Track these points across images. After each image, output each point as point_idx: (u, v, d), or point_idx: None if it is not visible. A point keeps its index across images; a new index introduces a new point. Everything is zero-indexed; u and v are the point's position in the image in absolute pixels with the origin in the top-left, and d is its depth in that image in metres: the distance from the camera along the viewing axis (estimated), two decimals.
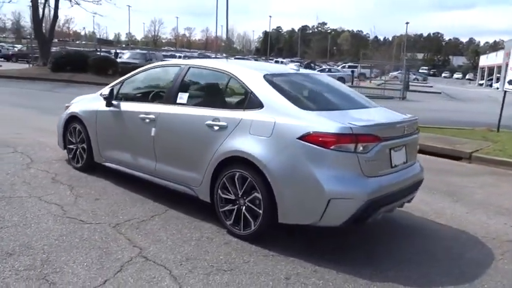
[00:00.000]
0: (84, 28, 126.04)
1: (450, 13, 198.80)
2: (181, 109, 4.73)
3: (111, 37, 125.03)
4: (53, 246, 3.83)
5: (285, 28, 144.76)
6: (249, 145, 4.05)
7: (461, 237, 4.71)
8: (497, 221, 5.27)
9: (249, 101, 4.28)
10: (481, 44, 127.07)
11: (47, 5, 28.77)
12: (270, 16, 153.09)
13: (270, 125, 3.98)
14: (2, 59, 42.01)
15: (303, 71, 5.20)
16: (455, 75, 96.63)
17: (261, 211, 4.00)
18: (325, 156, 3.71)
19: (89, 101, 6.11)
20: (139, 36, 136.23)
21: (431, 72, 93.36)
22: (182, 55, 46.29)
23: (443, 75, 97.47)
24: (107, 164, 5.73)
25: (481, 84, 66.11)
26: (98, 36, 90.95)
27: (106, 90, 5.66)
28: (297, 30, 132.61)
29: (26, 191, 5.18)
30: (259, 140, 4.00)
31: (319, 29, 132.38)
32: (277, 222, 3.95)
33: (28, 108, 12.12)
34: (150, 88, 5.61)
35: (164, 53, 44.44)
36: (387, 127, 4.16)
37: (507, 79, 12.29)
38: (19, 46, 53.82)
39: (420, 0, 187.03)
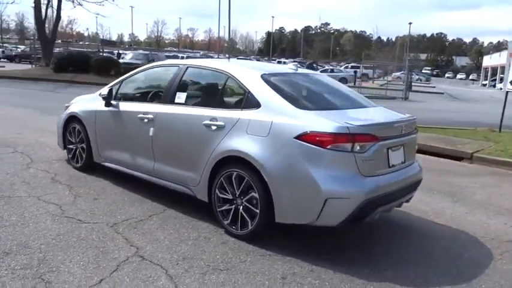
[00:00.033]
0: (87, 29, 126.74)
1: (454, 13, 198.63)
2: (179, 109, 4.73)
3: (114, 38, 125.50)
4: (50, 246, 3.84)
5: (288, 29, 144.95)
6: (246, 145, 4.04)
7: (460, 237, 4.69)
8: (497, 221, 5.25)
9: (247, 101, 4.27)
10: (485, 44, 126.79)
11: (49, 6, 28.86)
12: (273, 17, 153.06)
13: (267, 124, 3.97)
14: (5, 60, 42.20)
15: (301, 70, 5.18)
16: (459, 76, 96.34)
17: (258, 211, 3.99)
18: (322, 155, 3.70)
19: (88, 101, 6.11)
20: (142, 37, 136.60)
21: (435, 73, 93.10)
22: (185, 56, 46.30)
23: (446, 75, 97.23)
24: (106, 164, 5.73)
25: (484, 85, 65.98)
26: (101, 37, 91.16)
27: (105, 90, 5.67)
28: (299, 31, 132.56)
29: (25, 191, 5.19)
30: (256, 140, 4.00)
31: (322, 29, 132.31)
32: (274, 221, 3.95)
33: (29, 109, 12.15)
34: (148, 88, 5.61)
35: (167, 54, 44.45)
36: (385, 127, 4.14)
37: (509, 79, 12.24)
38: (22, 47, 54.04)
39: (424, 1, 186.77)
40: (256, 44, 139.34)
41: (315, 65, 39.90)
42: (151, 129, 4.89)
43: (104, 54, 30.95)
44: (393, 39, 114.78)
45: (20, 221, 4.33)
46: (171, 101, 4.85)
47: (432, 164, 8.29)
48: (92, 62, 23.86)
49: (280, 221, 3.92)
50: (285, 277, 3.54)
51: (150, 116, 4.93)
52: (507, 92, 12.14)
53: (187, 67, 4.97)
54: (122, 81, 5.68)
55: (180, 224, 4.48)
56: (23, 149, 7.11)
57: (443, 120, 14.94)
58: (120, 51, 42.81)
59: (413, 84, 36.18)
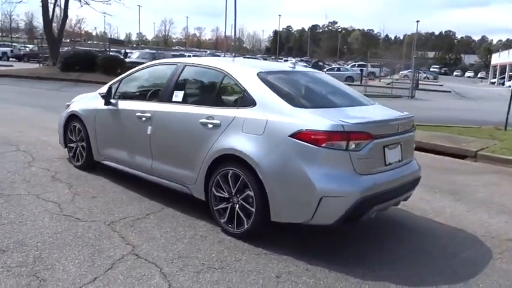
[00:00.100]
0: (95, 28, 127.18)
1: (463, 11, 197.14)
2: (177, 107, 4.73)
3: (122, 37, 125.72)
4: (47, 244, 3.85)
5: (295, 27, 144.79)
6: (241, 143, 4.03)
7: (459, 235, 4.65)
8: (498, 219, 5.20)
9: (243, 99, 4.27)
10: (494, 42, 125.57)
11: (57, 5, 29.03)
12: (280, 15, 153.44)
13: (262, 122, 3.96)
14: (14, 59, 42.45)
15: (299, 68, 5.16)
16: (467, 74, 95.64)
17: (253, 209, 3.98)
18: (316, 154, 3.68)
19: (88, 100, 6.13)
20: (150, 36, 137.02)
21: (443, 71, 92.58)
22: (192, 54, 46.37)
23: (454, 73, 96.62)
24: (106, 163, 5.75)
25: (493, 83, 65.47)
26: (109, 36, 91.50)
27: (104, 89, 5.68)
28: (307, 30, 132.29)
29: (25, 189, 5.22)
30: (251, 138, 3.99)
31: (330, 28, 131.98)
32: (270, 220, 3.93)
33: (35, 107, 12.23)
34: (147, 86, 5.62)
35: (173, 53, 44.52)
36: (381, 125, 4.11)
37: None
38: (31, 46, 54.35)
39: None
40: (264, 43, 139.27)
41: (321, 64, 39.70)
42: (149, 127, 4.90)
43: (111, 53, 31.01)
44: (401, 38, 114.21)
45: (18, 218, 4.36)
46: (168, 99, 4.85)
47: (435, 162, 8.25)
48: (98, 61, 23.96)
49: (276, 219, 3.90)
50: (279, 276, 3.53)
51: (148, 114, 4.94)
52: None
53: (185, 65, 4.97)
54: (121, 80, 5.70)
55: (177, 222, 4.48)
56: (26, 148, 7.16)
57: (448, 118, 14.84)
58: (127, 51, 42.95)
59: (420, 82, 35.98)
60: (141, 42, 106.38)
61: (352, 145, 3.72)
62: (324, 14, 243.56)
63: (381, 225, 4.76)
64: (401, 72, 45.00)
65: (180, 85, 4.91)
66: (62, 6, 28.66)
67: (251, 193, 3.97)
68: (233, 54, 43.74)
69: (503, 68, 63.30)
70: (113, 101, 5.53)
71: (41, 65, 30.53)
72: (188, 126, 4.53)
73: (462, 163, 8.48)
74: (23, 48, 51.50)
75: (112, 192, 5.26)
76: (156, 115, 4.87)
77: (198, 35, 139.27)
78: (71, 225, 4.27)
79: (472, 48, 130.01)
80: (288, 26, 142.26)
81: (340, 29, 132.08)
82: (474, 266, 3.95)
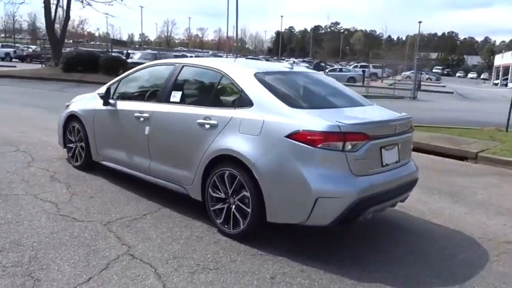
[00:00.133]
0: (98, 29, 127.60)
1: (465, 12, 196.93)
2: (174, 107, 4.73)
3: (124, 38, 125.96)
4: (43, 244, 3.85)
5: (298, 28, 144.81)
6: (238, 143, 4.03)
7: (457, 237, 4.63)
8: (496, 221, 5.18)
9: (240, 99, 4.26)
10: (497, 43, 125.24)
11: (59, 6, 29.11)
12: (282, 16, 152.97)
13: (258, 123, 3.95)
14: (17, 60, 42.60)
15: (297, 69, 5.16)
16: (470, 75, 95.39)
17: (249, 210, 3.97)
18: (312, 154, 3.67)
19: (87, 100, 6.14)
20: (152, 36, 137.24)
21: (445, 72, 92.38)
22: (194, 55, 46.39)
23: (457, 74, 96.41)
24: (104, 163, 5.76)
25: (496, 84, 65.26)
26: (112, 37, 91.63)
27: (103, 89, 5.69)
28: (309, 30, 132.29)
29: (24, 189, 5.22)
30: (248, 139, 3.98)
31: (332, 28, 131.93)
32: (266, 221, 3.92)
33: (37, 108, 12.26)
34: (145, 87, 5.62)
35: (175, 53, 44.53)
36: (378, 125, 4.10)
37: None
38: (34, 47, 54.51)
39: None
40: (266, 43, 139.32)
41: (323, 64, 39.64)
42: (147, 127, 4.90)
43: (113, 54, 31.06)
44: (403, 39, 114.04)
45: (15, 218, 4.36)
46: (166, 99, 4.86)
47: (435, 163, 8.24)
48: (101, 62, 24.00)
49: (272, 220, 3.89)
50: (274, 277, 3.52)
51: (146, 114, 4.94)
52: None
53: (183, 66, 4.97)
54: (120, 80, 5.71)
55: (174, 222, 4.48)
56: (25, 148, 7.17)
57: (450, 119, 14.80)
58: (129, 51, 42.99)
59: (422, 83, 35.90)
60: (144, 43, 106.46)
61: (349, 146, 3.71)
62: (325, 14, 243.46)
63: (378, 227, 4.75)
64: (403, 73, 44.92)
65: (178, 85, 4.91)
66: (64, 7, 28.73)
67: (247, 194, 3.96)
68: (235, 55, 43.69)
69: (506, 69, 63.08)
70: (111, 101, 5.54)
71: (44, 65, 30.61)
72: (185, 127, 4.53)
73: (462, 164, 8.46)
74: (25, 49, 51.67)
75: (110, 193, 5.27)
76: (154, 115, 4.88)
77: (200, 35, 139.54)
78: (67, 225, 4.27)
79: (475, 49, 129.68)
80: (290, 27, 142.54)
81: (342, 30, 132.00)
82: (471, 268, 3.94)
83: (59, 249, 3.78)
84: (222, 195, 4.21)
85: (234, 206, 4.12)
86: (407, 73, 42.63)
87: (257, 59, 37.02)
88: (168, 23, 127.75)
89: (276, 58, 74.28)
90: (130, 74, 5.69)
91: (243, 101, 4.21)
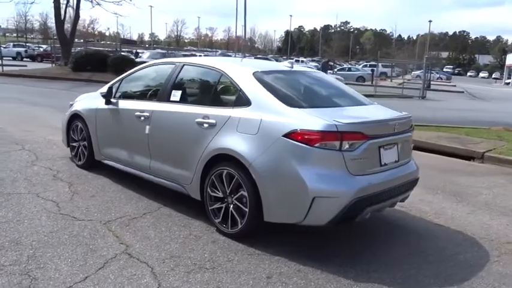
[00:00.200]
0: (108, 28, 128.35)
1: (477, 11, 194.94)
2: (174, 107, 4.74)
3: (135, 37, 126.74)
4: (41, 242, 3.87)
5: (307, 27, 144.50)
6: (236, 143, 4.03)
7: (458, 238, 4.58)
8: (499, 222, 5.12)
9: (238, 98, 4.26)
10: (509, 42, 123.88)
11: (69, 5, 29.28)
12: (291, 15, 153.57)
13: (256, 122, 3.94)
14: (28, 59, 42.96)
15: (297, 68, 5.14)
16: (481, 74, 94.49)
17: (247, 209, 3.97)
18: (309, 154, 3.66)
19: (90, 99, 6.18)
20: (162, 36, 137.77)
21: (456, 71, 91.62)
22: (203, 54, 46.51)
23: (468, 74, 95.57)
24: (106, 162, 5.78)
25: (507, 83, 64.48)
26: (122, 37, 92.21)
27: (105, 89, 5.72)
28: (319, 30, 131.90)
29: (26, 188, 5.26)
30: (245, 138, 3.97)
31: (342, 28, 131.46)
32: (264, 220, 3.91)
33: (46, 107, 12.35)
34: (146, 86, 5.63)
35: (184, 53, 44.72)
36: (376, 125, 4.06)
37: None
38: (44, 46, 54.94)
39: None
40: (275, 43, 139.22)
41: (331, 64, 39.40)
42: (147, 126, 4.92)
43: (122, 53, 31.22)
44: (414, 38, 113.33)
45: (16, 217, 4.39)
46: (166, 98, 4.86)
47: (441, 163, 8.18)
48: (109, 61, 24.08)
49: (269, 219, 3.88)
50: (270, 276, 3.51)
51: (147, 113, 4.96)
52: None
53: (183, 65, 4.97)
54: (122, 79, 5.73)
55: (173, 222, 4.48)
56: (30, 147, 7.23)
57: (459, 119, 14.68)
58: (138, 51, 43.25)
59: (432, 83, 35.65)
60: (154, 43, 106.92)
61: (346, 145, 3.69)
62: (335, 14, 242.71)
63: (378, 227, 4.71)
64: (413, 72, 44.63)
65: (178, 84, 4.91)
66: (74, 7, 28.92)
67: (245, 193, 3.96)
68: (244, 54, 43.68)
69: None
70: (113, 100, 5.57)
71: (53, 65, 30.84)
72: (185, 126, 4.53)
73: (468, 164, 8.37)
74: (37, 48, 52.09)
75: (111, 192, 5.29)
76: (154, 114, 4.89)
77: (209, 35, 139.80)
78: (67, 224, 4.29)
79: (487, 48, 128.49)
80: (299, 26, 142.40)
81: (352, 29, 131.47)
82: (471, 268, 3.89)
83: (57, 248, 3.79)
84: (220, 195, 4.21)
85: (232, 206, 4.11)
86: (417, 72, 42.40)
87: (266, 59, 36.99)
88: (177, 23, 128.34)
89: (285, 57, 74.05)
90: (132, 73, 5.71)
91: (241, 100, 4.20)
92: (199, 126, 4.36)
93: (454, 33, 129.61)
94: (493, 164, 8.38)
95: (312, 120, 3.74)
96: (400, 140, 4.23)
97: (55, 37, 32.89)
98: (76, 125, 6.22)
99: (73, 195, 5.10)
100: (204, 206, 4.45)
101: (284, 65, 5.06)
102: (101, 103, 5.72)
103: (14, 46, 48.51)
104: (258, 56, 62.10)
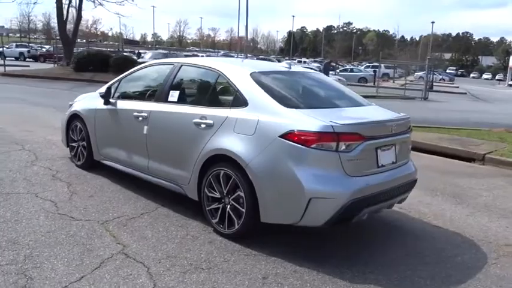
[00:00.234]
0: (111, 29, 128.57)
1: (480, 12, 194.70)
2: (172, 107, 4.74)
3: (137, 38, 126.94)
4: (39, 242, 3.88)
5: (310, 28, 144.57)
6: (232, 143, 4.02)
7: (456, 239, 4.57)
8: (498, 224, 5.10)
9: (235, 99, 4.26)
10: None
11: (71, 6, 29.37)
12: (293, 16, 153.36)
13: (253, 123, 3.94)
14: (31, 59, 43.09)
15: (295, 68, 5.13)
16: (485, 76, 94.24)
17: (244, 210, 3.96)
18: (306, 154, 3.65)
19: (89, 100, 6.19)
20: (165, 36, 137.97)
21: (459, 73, 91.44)
22: (205, 55, 46.55)
23: (471, 75, 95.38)
24: (105, 162, 5.79)
25: (510, 85, 64.33)
26: (125, 37, 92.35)
27: (103, 89, 5.73)
28: (321, 30, 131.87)
29: (25, 188, 5.27)
30: (242, 138, 3.97)
31: (345, 28, 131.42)
32: (260, 221, 3.91)
33: (47, 107, 12.37)
34: (144, 86, 5.64)
35: (187, 53, 44.78)
36: (373, 126, 4.05)
37: None
38: (47, 46, 55.09)
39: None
40: (278, 43, 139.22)
41: (333, 64, 39.31)
42: (145, 127, 4.92)
43: (124, 54, 31.26)
44: (417, 39, 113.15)
45: (14, 217, 4.40)
46: (164, 99, 4.87)
47: (441, 165, 8.15)
48: (111, 61, 24.13)
49: (265, 220, 3.88)
50: (266, 277, 3.51)
51: (145, 114, 4.96)
52: None
53: (181, 65, 4.98)
54: (120, 80, 5.74)
55: (170, 222, 4.49)
56: (30, 147, 7.25)
57: (461, 120, 14.64)
58: (140, 51, 43.34)
59: (435, 84, 35.57)
60: (156, 43, 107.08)
61: (342, 146, 3.68)
62: (338, 14, 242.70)
63: (376, 228, 4.71)
64: (416, 73, 44.51)
65: (175, 85, 4.92)
66: (77, 7, 28.99)
67: (241, 194, 3.96)
68: (246, 54, 43.72)
69: None
70: (112, 100, 5.57)
71: (56, 65, 30.92)
72: (182, 126, 4.53)
73: (469, 166, 8.35)
74: (39, 48, 52.24)
75: (109, 192, 5.30)
76: (152, 115, 4.89)
77: (212, 35, 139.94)
78: (64, 224, 4.30)
79: (490, 49, 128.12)
80: (302, 27, 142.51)
81: (355, 30, 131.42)
82: (468, 270, 3.88)
83: (54, 247, 3.80)
84: (218, 195, 4.21)
85: (229, 206, 4.11)
86: (420, 73, 42.23)
87: (268, 60, 36.98)
88: (180, 23, 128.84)
89: (287, 58, 74.08)
90: (130, 73, 5.72)
91: (239, 100, 4.20)
92: (197, 127, 4.37)
93: (457, 34, 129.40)
94: (493, 165, 8.36)
95: (308, 120, 3.73)
96: (397, 141, 4.22)
97: (57, 37, 32.94)
98: (75, 125, 6.23)
99: (72, 195, 5.11)
100: (201, 206, 4.45)
101: (282, 65, 5.06)
102: (99, 103, 5.73)
103: (17, 46, 48.70)
104: (260, 56, 62.11)
